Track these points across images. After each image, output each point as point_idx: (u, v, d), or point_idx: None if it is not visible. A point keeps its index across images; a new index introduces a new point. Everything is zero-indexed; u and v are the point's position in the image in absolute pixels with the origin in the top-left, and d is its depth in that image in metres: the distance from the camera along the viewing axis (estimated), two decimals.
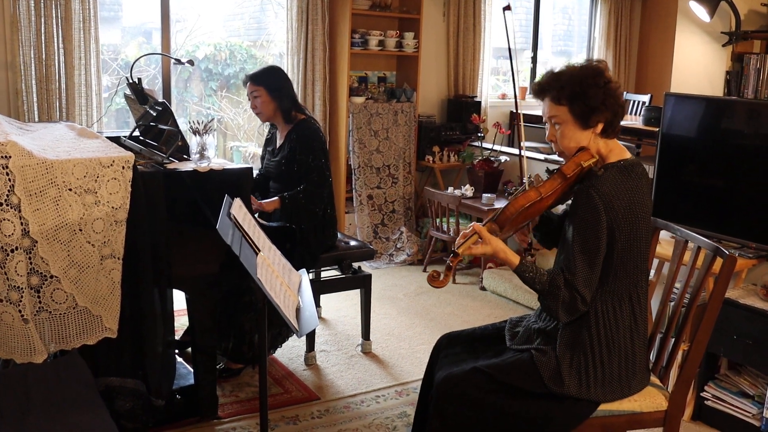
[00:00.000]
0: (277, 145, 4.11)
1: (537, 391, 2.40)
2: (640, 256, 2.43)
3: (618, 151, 2.47)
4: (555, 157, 3.16)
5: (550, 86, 2.42)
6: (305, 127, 3.98)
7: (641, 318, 2.48)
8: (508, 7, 4.15)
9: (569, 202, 2.50)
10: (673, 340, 2.70)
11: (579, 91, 2.37)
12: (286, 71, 4.26)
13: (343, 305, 4.97)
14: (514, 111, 7.34)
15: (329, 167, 4.04)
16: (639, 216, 2.38)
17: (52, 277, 2.65)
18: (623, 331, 2.44)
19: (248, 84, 4.01)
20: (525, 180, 2.57)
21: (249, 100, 4.05)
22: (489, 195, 5.75)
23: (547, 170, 2.54)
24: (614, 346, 2.43)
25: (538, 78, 2.52)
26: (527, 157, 6.19)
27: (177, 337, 4.06)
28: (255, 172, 4.11)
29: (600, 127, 2.42)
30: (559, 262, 2.45)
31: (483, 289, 5.49)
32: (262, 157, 4.30)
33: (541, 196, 2.43)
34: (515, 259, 2.42)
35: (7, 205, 2.53)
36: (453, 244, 2.46)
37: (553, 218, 2.72)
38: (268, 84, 3.98)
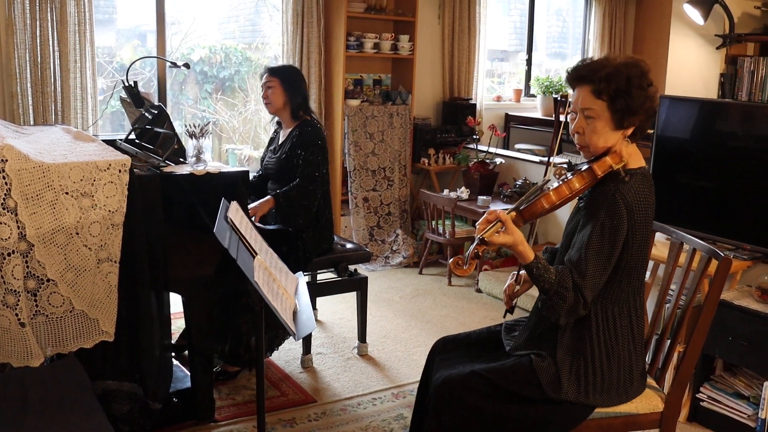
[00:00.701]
0: (279, 143, 4.13)
1: (535, 397, 2.40)
2: (644, 266, 2.43)
3: (636, 156, 2.40)
4: (555, 158, 3.14)
5: (593, 76, 2.31)
6: (308, 125, 4.03)
7: (639, 325, 2.48)
8: None
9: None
10: (669, 341, 2.71)
11: (624, 89, 2.28)
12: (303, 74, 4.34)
13: (339, 308, 4.97)
14: (509, 113, 7.37)
15: (327, 167, 4.04)
16: (649, 227, 2.36)
17: (48, 280, 2.65)
18: (622, 338, 2.44)
19: (265, 75, 4.10)
20: (550, 175, 2.48)
21: (262, 90, 4.11)
22: (484, 197, 5.76)
23: (569, 165, 2.47)
24: (614, 353, 2.42)
25: (574, 64, 2.39)
26: (522, 159, 6.22)
27: (174, 341, 4.06)
28: (251, 175, 4.11)
29: (631, 130, 2.35)
30: (568, 258, 2.37)
31: (479, 291, 5.50)
32: (263, 158, 4.31)
33: (571, 192, 2.35)
34: (531, 254, 2.33)
35: (4, 208, 2.53)
36: (475, 230, 2.37)
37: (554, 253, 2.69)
38: (284, 77, 4.07)
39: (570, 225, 2.50)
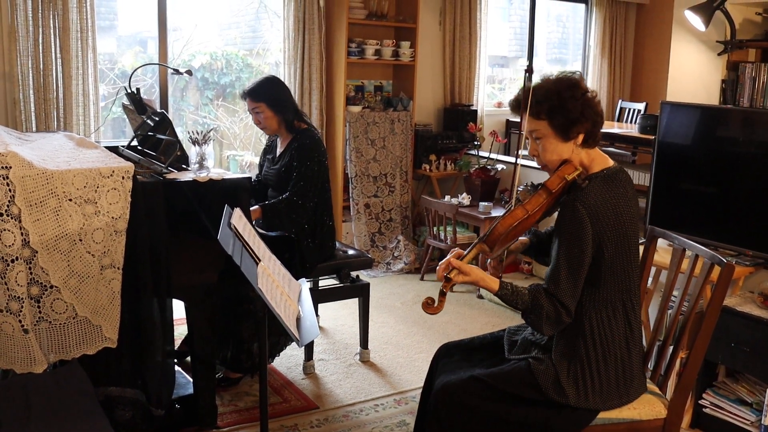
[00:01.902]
0: (278, 153, 4.09)
1: (535, 399, 2.41)
2: (630, 263, 2.44)
3: (600, 160, 2.48)
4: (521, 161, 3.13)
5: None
6: (307, 136, 3.96)
7: (635, 324, 2.49)
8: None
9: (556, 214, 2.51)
10: (672, 348, 2.71)
11: (557, 105, 2.38)
12: (282, 81, 4.23)
13: (341, 314, 4.97)
14: (510, 120, 7.38)
15: (324, 179, 3.99)
16: (626, 223, 2.39)
17: (52, 287, 2.65)
18: (618, 338, 2.45)
19: (247, 100, 3.96)
20: (515, 195, 2.57)
21: (251, 115, 4.01)
22: (486, 203, 5.76)
23: (531, 184, 2.54)
24: (610, 355, 2.44)
25: (514, 94, 2.55)
26: (522, 165, 6.22)
27: (176, 347, 4.06)
28: (252, 179, 4.09)
29: (581, 138, 2.43)
30: (545, 274, 2.46)
31: (480, 297, 5.50)
32: (261, 165, 4.28)
33: (528, 213, 2.44)
34: (495, 285, 2.43)
35: (8, 215, 2.54)
36: (438, 275, 2.47)
37: (543, 237, 2.74)
38: (269, 98, 3.93)
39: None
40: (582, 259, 2.36)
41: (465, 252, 2.48)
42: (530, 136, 2.48)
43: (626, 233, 2.40)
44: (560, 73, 2.49)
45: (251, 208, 3.84)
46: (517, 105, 2.50)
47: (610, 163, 2.48)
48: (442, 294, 2.42)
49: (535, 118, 2.43)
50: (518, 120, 2.53)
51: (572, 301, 2.38)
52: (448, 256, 2.48)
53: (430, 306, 2.42)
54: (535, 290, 2.40)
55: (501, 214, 2.50)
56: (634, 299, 2.48)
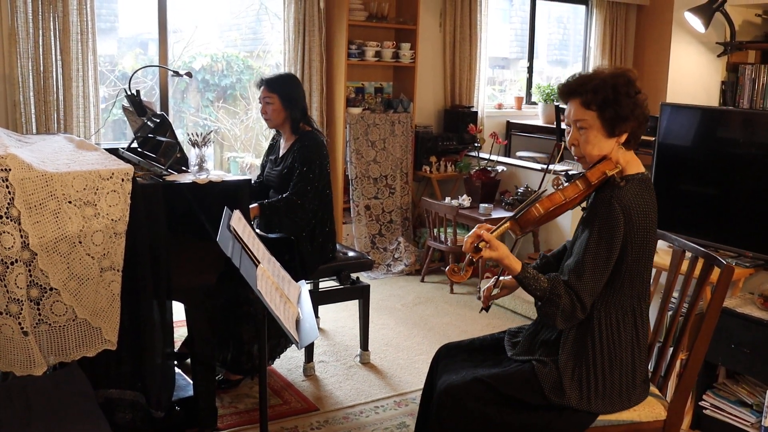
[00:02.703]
0: (280, 155, 4.10)
1: (537, 403, 2.41)
2: (646, 271, 2.44)
3: (635, 163, 2.46)
4: (556, 167, 3.14)
5: (581, 89, 2.39)
6: (310, 138, 3.97)
7: (643, 332, 2.48)
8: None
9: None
10: (672, 349, 2.71)
11: (611, 98, 2.35)
12: (300, 82, 4.24)
13: (341, 316, 4.97)
14: (511, 121, 7.38)
15: (324, 182, 3.99)
16: (650, 232, 2.39)
17: (51, 289, 2.65)
18: (626, 344, 2.44)
19: (262, 88, 3.99)
20: (548, 184, 2.55)
21: (260, 103, 4.04)
22: (486, 205, 5.76)
23: (567, 175, 2.52)
24: (616, 359, 2.43)
25: (564, 79, 2.49)
26: (523, 167, 6.22)
27: (176, 349, 4.06)
28: (252, 180, 4.10)
29: (624, 137, 2.40)
30: (566, 266, 2.43)
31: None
32: (263, 165, 4.28)
33: (565, 200, 2.41)
34: (517, 266, 2.40)
35: (7, 217, 2.54)
36: (466, 246, 2.45)
37: (549, 260, 2.74)
38: (283, 92, 3.97)
39: (574, 236, 2.52)
40: (609, 257, 2.34)
41: (494, 227, 2.44)
42: (574, 125, 2.43)
43: (649, 241, 2.39)
44: (616, 66, 2.46)
45: (250, 206, 3.84)
46: (567, 90, 2.44)
47: (643, 169, 2.47)
48: (471, 263, 2.40)
49: (585, 107, 2.38)
50: (564, 107, 2.48)
51: (590, 298, 2.36)
52: (475, 229, 2.45)
53: (455, 273, 2.41)
54: (554, 280, 2.37)
55: (505, 214, 2.48)
56: (644, 307, 2.48)
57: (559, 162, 3.33)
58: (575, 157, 2.50)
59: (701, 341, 2.51)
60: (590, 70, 2.47)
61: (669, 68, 6.87)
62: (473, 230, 2.46)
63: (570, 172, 2.51)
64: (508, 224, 2.45)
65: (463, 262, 2.45)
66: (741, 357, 3.36)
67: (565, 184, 2.44)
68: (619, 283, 2.40)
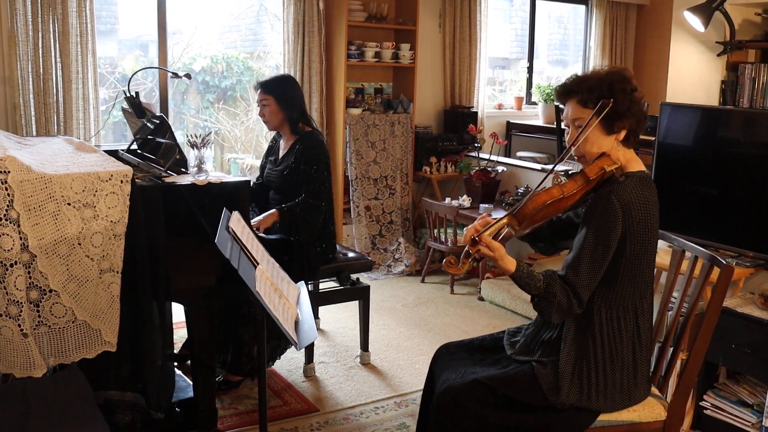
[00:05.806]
0: (280, 155, 4.10)
1: (537, 404, 2.41)
2: (647, 269, 2.44)
3: (635, 162, 2.47)
4: (558, 167, 3.13)
5: (578, 89, 2.42)
6: (311, 138, 3.98)
7: (645, 331, 2.48)
8: None
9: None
10: (672, 349, 2.71)
11: (608, 96, 2.36)
12: (297, 83, 4.26)
13: (341, 316, 4.97)
14: (511, 121, 7.38)
15: (330, 181, 4.02)
16: (651, 228, 2.39)
17: (51, 291, 2.65)
18: (627, 342, 2.44)
19: (259, 91, 4.02)
20: (547, 180, 2.54)
21: (258, 106, 4.05)
22: (486, 205, 5.76)
23: (567, 174, 2.54)
24: (617, 357, 2.43)
25: (562, 80, 2.52)
26: (524, 167, 6.22)
27: (176, 350, 4.06)
28: (252, 182, 4.10)
29: (623, 134, 2.42)
30: (564, 261, 2.43)
31: (481, 299, 5.49)
32: (263, 166, 4.28)
33: (563, 194, 2.41)
34: (512, 266, 2.40)
35: (6, 220, 2.53)
36: (465, 239, 2.44)
37: (574, 222, 2.68)
38: (279, 94, 3.98)
39: (576, 232, 2.52)
40: (606, 252, 2.35)
41: (492, 222, 2.44)
42: (573, 124, 2.45)
43: (650, 237, 2.39)
44: (612, 65, 2.48)
45: (269, 212, 3.85)
46: (564, 91, 2.47)
47: (643, 167, 2.48)
48: (468, 256, 2.40)
49: (582, 106, 2.41)
50: (563, 107, 2.49)
51: (587, 292, 2.37)
52: (475, 222, 2.46)
53: (452, 265, 2.40)
54: (549, 277, 2.38)
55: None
56: (646, 305, 2.47)
57: (562, 163, 3.34)
58: (575, 157, 2.51)
59: (701, 341, 2.51)
60: (588, 71, 2.49)
61: (669, 68, 6.88)
62: (474, 223, 2.47)
63: (570, 172, 2.51)
64: (506, 219, 2.45)
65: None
66: (741, 357, 3.36)
67: (564, 180, 2.45)
68: (619, 280, 2.40)
